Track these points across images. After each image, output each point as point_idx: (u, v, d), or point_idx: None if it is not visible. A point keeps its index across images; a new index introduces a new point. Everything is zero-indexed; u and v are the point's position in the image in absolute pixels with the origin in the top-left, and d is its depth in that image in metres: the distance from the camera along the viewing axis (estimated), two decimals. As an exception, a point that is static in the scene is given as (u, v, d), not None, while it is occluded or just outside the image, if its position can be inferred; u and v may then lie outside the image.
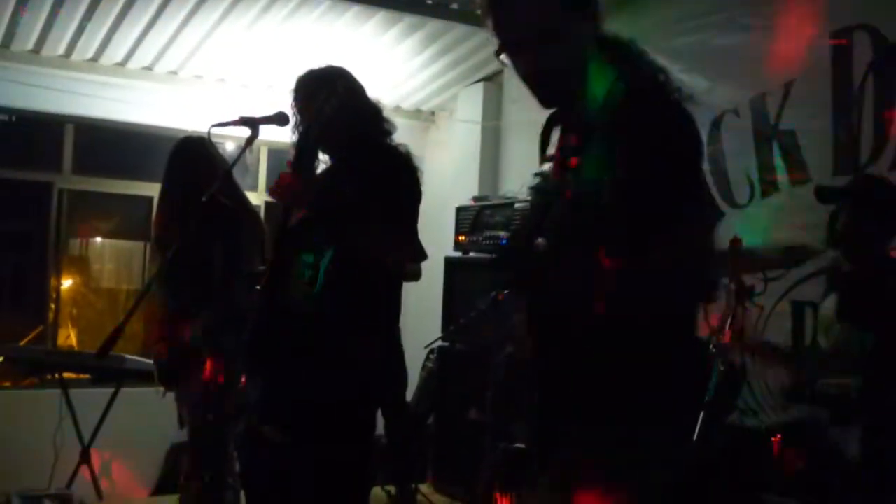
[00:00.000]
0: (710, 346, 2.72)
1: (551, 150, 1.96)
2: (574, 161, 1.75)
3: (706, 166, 4.49)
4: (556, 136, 1.93)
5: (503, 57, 1.86)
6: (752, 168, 4.40)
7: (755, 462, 2.91)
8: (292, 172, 2.53)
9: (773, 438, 2.89)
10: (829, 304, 3.27)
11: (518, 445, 3.16)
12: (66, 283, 6.33)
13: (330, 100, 2.52)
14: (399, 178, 2.66)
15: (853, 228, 3.18)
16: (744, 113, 4.47)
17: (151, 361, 4.33)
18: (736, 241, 3.01)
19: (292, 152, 2.65)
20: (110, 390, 4.93)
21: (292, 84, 2.82)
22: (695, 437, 2.17)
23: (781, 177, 4.27)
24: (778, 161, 4.30)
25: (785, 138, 4.27)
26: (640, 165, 1.63)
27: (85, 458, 4.80)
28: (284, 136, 2.88)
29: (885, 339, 2.90)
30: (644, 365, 1.69)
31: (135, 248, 6.87)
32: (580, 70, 1.79)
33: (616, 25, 1.93)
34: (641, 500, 1.71)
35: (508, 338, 2.02)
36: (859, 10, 3.97)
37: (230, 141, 5.40)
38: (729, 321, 2.86)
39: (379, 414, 3.01)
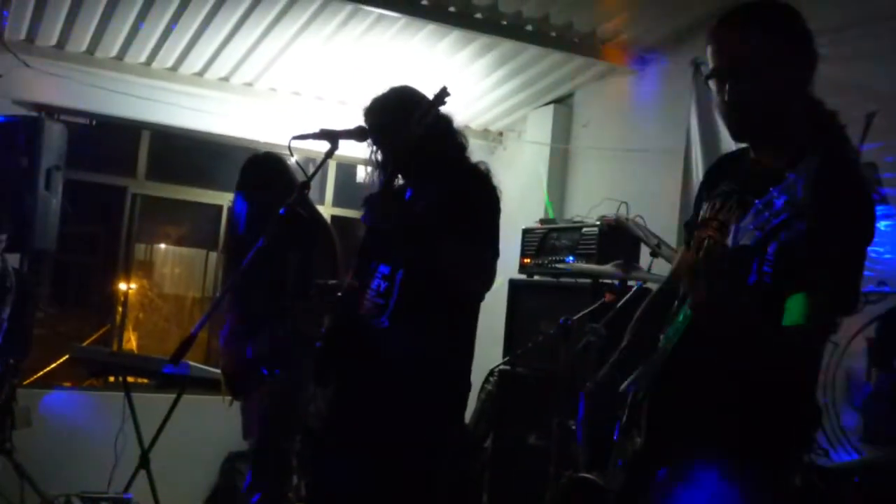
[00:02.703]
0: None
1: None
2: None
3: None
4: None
5: (711, 83, 1.87)
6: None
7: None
8: (382, 195, 2.54)
9: (852, 480, 2.79)
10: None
11: (584, 475, 3.12)
12: (132, 286, 6.44)
13: (420, 122, 2.50)
14: (478, 198, 2.64)
15: None
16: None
17: (215, 370, 4.37)
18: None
19: (373, 172, 2.66)
20: (172, 396, 4.96)
21: (366, 100, 2.82)
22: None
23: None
24: (858, 194, 4.20)
25: (866, 171, 4.16)
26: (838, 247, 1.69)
27: (144, 463, 4.83)
28: (353, 150, 2.90)
29: None
30: (769, 402, 1.75)
31: (197, 256, 6.97)
32: (782, 115, 1.81)
33: (698, 49, 1.95)
34: None
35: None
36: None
37: (297, 154, 5.42)
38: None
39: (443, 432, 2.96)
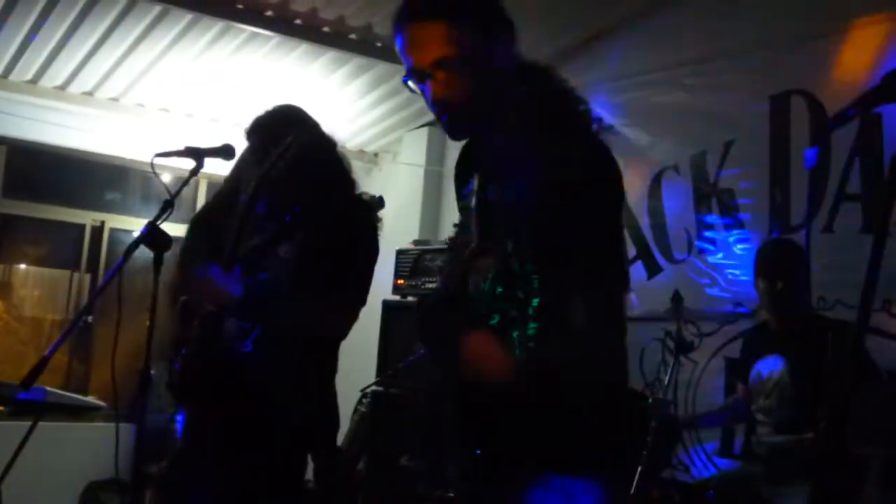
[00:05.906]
0: (648, 399, 2.73)
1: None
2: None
3: (646, 220, 4.62)
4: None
5: (411, 84, 1.71)
6: (690, 224, 4.48)
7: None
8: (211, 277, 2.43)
9: (706, 494, 2.90)
10: (767, 365, 3.34)
11: (453, 494, 3.12)
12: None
13: (293, 144, 2.41)
14: (355, 244, 2.59)
15: (770, 290, 3.31)
16: (684, 170, 4.56)
17: (74, 395, 4.16)
18: (677, 297, 3.06)
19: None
20: (27, 423, 4.70)
21: (238, 118, 2.75)
22: (632, 490, 2.15)
23: (719, 234, 4.35)
24: (716, 218, 4.38)
25: (723, 196, 4.36)
26: (552, 201, 1.56)
27: (-4, 494, 4.57)
28: (225, 169, 2.82)
29: (836, 395, 2.96)
30: (579, 416, 1.61)
31: (60, 277, 6.67)
32: (492, 99, 1.67)
33: (582, 69, 1.93)
34: None
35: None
36: (796, 75, 4.10)
37: (167, 172, 5.29)
38: (668, 375, 2.89)
39: (308, 457, 2.92)
